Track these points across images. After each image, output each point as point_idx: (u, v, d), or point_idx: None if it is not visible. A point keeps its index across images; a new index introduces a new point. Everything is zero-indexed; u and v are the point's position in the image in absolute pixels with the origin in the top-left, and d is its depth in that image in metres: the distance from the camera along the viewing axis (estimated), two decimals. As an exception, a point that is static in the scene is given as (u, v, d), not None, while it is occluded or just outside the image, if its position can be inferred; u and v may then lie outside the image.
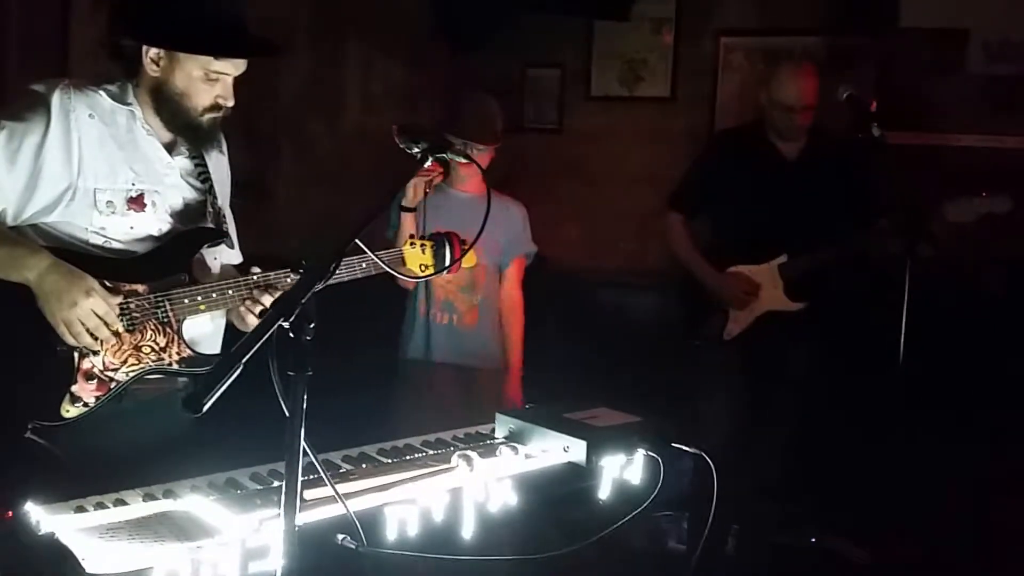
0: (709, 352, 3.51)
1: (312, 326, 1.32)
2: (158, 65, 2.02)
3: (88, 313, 1.89)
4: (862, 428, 3.47)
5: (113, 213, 2.01)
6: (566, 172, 4.98)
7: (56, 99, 1.96)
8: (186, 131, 2.09)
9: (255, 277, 2.10)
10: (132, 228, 2.04)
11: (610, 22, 4.80)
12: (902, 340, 2.82)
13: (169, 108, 2.04)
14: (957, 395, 3.59)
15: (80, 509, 1.55)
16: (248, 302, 2.08)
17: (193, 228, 2.12)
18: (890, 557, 3.20)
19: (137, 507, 1.58)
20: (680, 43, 4.73)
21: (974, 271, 3.82)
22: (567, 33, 4.92)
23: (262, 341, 1.25)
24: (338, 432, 1.95)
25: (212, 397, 1.23)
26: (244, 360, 1.24)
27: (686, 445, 1.97)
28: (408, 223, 3.07)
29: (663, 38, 4.76)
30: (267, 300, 2.07)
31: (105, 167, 2.00)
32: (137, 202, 2.04)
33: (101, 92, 2.04)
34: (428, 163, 1.76)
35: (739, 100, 4.56)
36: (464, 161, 1.89)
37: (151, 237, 2.07)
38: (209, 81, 2.03)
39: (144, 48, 2.01)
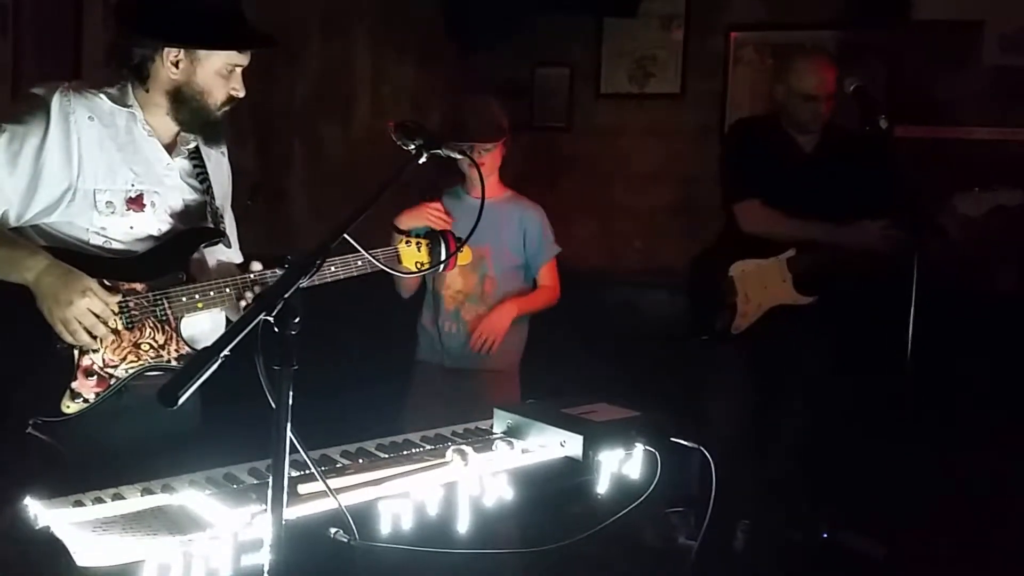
0: (717, 347, 3.49)
1: (297, 320, 1.32)
2: (177, 67, 2.04)
3: (84, 312, 1.92)
4: (871, 422, 3.44)
5: (113, 213, 2.03)
6: (576, 170, 4.97)
7: (55, 102, 1.98)
8: (205, 128, 2.12)
9: (252, 275, 2.12)
10: (132, 228, 2.06)
11: (619, 19, 4.79)
12: (910, 334, 2.79)
13: (189, 108, 2.07)
14: (966, 390, 3.55)
15: (78, 503, 1.57)
16: (244, 300, 2.10)
17: (191, 228, 2.15)
18: (902, 553, 3.17)
19: (134, 501, 1.60)
20: (690, 39, 4.71)
21: (985, 265, 3.78)
22: (576, 31, 4.91)
23: (241, 336, 1.26)
24: (333, 429, 1.97)
25: (187, 391, 1.24)
26: (222, 355, 1.25)
27: (686, 439, 1.96)
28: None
29: (672, 34, 4.74)
30: None
31: (104, 168, 2.03)
32: (136, 202, 2.06)
33: (101, 95, 2.06)
34: (423, 159, 1.77)
35: (750, 95, 4.54)
36: (461, 158, 1.89)
37: (151, 237, 2.09)
38: (226, 75, 2.07)
39: (164, 53, 2.03)
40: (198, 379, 1.24)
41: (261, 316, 1.28)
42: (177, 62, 2.04)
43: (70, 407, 1.97)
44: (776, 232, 3.37)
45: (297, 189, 4.52)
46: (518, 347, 3.28)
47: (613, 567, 2.51)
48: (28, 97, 2.01)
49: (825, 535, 3.45)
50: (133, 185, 2.06)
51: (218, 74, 2.06)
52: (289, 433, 1.35)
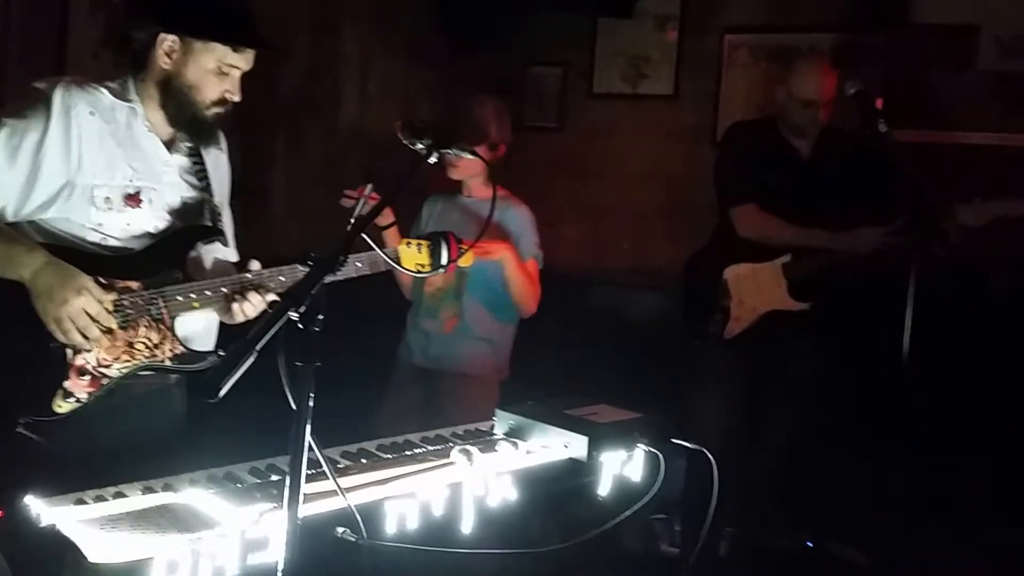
0: (709, 351, 3.53)
1: (321, 317, 1.37)
2: (170, 57, 2.07)
3: (79, 312, 1.94)
4: (863, 430, 3.51)
5: (110, 209, 2.06)
6: (567, 171, 5.03)
7: (57, 96, 2.01)
8: (191, 126, 2.15)
9: (249, 275, 2.16)
10: (129, 225, 2.09)
11: (614, 19, 4.85)
12: (905, 340, 2.86)
13: (176, 102, 2.10)
14: (962, 396, 3.62)
15: (80, 502, 1.60)
16: (237, 299, 2.12)
17: (188, 225, 2.17)
18: (890, 560, 3.23)
19: (136, 500, 1.63)
20: (684, 40, 4.78)
21: (983, 272, 3.84)
22: (570, 30, 4.97)
23: (274, 329, 1.31)
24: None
25: (228, 383, 1.29)
26: (258, 347, 1.30)
27: (686, 441, 2.02)
28: (393, 236, 3.06)
29: (667, 35, 4.81)
30: (256, 299, 2.13)
31: (103, 163, 2.05)
32: (134, 199, 2.09)
33: (103, 89, 2.09)
34: (432, 159, 1.81)
35: (744, 97, 4.61)
36: (471, 158, 1.93)
37: (148, 234, 2.12)
38: (220, 75, 2.10)
39: (158, 39, 2.07)
40: (238, 371, 1.30)
41: (290, 312, 1.33)
42: (171, 52, 2.07)
43: (62, 406, 1.99)
44: (773, 238, 3.41)
45: (279, 187, 4.55)
46: (496, 353, 3.25)
47: (598, 572, 2.57)
48: (29, 91, 2.03)
49: (809, 543, 3.52)
50: (131, 181, 2.09)
51: (211, 72, 2.09)
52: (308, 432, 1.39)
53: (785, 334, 3.43)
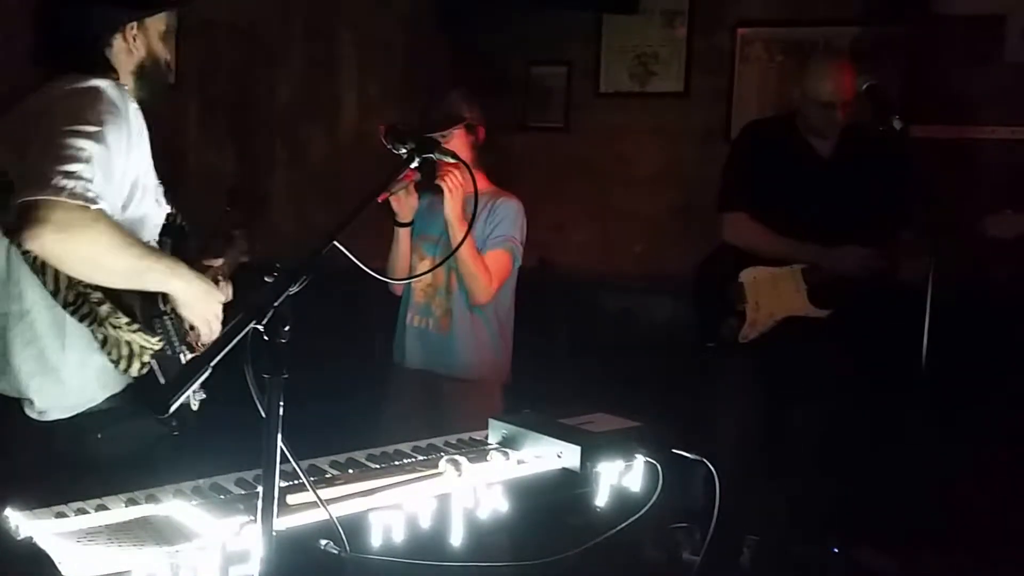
0: (723, 356, 3.54)
1: (287, 329, 1.40)
2: (136, 41, 2.16)
3: (220, 306, 2.16)
4: (884, 435, 3.51)
5: (160, 205, 2.19)
6: (574, 172, 5.05)
7: (118, 94, 2.03)
8: (163, 95, 2.26)
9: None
10: (163, 218, 2.21)
11: (619, 15, 4.87)
12: (924, 346, 2.86)
13: (150, 82, 2.21)
14: (983, 403, 3.61)
15: (60, 515, 1.63)
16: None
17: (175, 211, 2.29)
18: (917, 567, 3.23)
19: (118, 512, 1.66)
20: (694, 35, 4.80)
21: (1013, 285, 3.82)
22: (574, 28, 5.00)
23: (232, 344, 1.33)
24: (315, 438, 2.03)
25: (178, 399, 1.31)
26: (212, 363, 1.32)
27: (688, 451, 2.03)
28: (404, 237, 3.20)
29: (676, 30, 4.83)
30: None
31: (149, 159, 2.14)
32: (162, 192, 2.21)
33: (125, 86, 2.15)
34: (415, 163, 1.85)
35: (759, 94, 4.62)
36: (452, 161, 1.97)
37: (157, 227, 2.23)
38: (165, 39, 2.23)
39: (126, 31, 2.13)
40: (189, 387, 1.32)
41: (251, 325, 1.36)
42: (135, 36, 2.15)
43: (195, 405, 2.20)
44: (759, 248, 3.44)
45: (280, 194, 4.60)
46: (493, 357, 3.24)
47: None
48: (89, 92, 2.00)
49: (836, 551, 3.51)
50: (158, 175, 2.19)
51: (161, 38, 2.21)
52: (279, 443, 1.42)
53: (803, 339, 3.41)
